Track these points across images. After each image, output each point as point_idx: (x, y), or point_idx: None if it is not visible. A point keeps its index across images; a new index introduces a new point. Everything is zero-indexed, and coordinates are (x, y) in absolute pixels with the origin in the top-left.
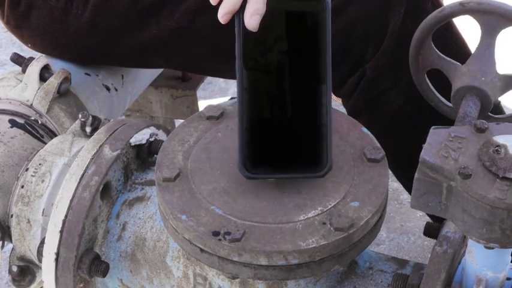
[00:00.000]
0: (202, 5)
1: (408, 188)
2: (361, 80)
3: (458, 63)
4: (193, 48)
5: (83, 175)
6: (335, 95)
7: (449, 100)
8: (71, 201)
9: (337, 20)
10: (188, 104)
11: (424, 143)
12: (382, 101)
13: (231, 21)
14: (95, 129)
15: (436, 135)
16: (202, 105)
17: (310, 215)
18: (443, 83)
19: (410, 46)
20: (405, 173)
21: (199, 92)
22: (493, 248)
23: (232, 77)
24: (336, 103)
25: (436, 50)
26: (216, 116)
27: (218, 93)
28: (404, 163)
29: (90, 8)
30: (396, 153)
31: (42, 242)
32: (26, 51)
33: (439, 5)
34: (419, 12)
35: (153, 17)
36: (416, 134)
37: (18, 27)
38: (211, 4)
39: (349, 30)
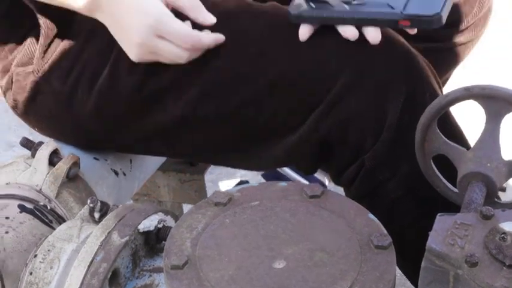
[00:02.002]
0: (205, 95)
1: (410, 277)
2: (360, 170)
3: (463, 148)
4: (196, 138)
5: (91, 262)
6: (335, 183)
7: (455, 186)
8: None
9: (336, 111)
10: (196, 188)
11: (423, 233)
12: (381, 191)
13: (233, 113)
14: (103, 215)
15: (442, 222)
16: (209, 188)
17: None
18: (449, 168)
19: (415, 133)
20: (406, 262)
21: (206, 176)
22: None
23: (235, 166)
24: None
25: (442, 135)
26: (224, 202)
27: (225, 177)
28: (404, 252)
29: (95, 94)
30: (396, 243)
31: None
32: (36, 135)
33: (437, 95)
34: (417, 104)
35: (157, 104)
36: (415, 224)
37: (24, 112)
38: (214, 92)
39: (347, 121)
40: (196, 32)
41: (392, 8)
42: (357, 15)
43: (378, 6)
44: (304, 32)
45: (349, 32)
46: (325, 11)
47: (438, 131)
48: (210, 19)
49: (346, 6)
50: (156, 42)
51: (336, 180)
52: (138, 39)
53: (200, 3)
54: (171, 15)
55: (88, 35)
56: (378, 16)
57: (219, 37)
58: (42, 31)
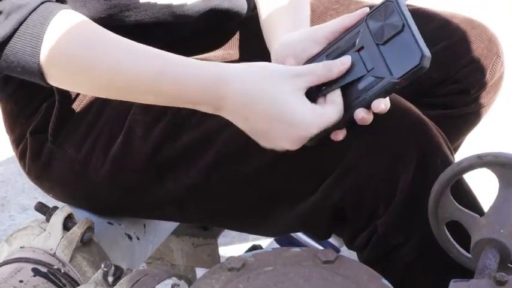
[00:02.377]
0: (217, 162)
1: None
2: (373, 235)
3: (477, 215)
4: (208, 204)
5: None
6: (348, 248)
7: (468, 251)
8: None
9: (348, 179)
10: (209, 253)
11: None
12: (394, 256)
13: (246, 180)
14: (117, 279)
15: None
16: (222, 251)
17: None
18: (462, 234)
19: (429, 199)
20: None
21: (219, 239)
22: None
23: (248, 232)
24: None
25: (455, 202)
26: (238, 267)
27: (238, 240)
28: None
29: (109, 161)
30: None
31: None
32: (50, 198)
33: (448, 162)
34: (429, 171)
35: (170, 172)
36: None
37: (39, 178)
38: (228, 161)
39: (360, 187)
40: (330, 118)
41: (381, 78)
42: (357, 105)
43: (368, 83)
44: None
45: (362, 118)
46: None
47: (451, 197)
48: (345, 64)
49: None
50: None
51: (349, 245)
52: (286, 146)
53: (325, 65)
54: (319, 120)
55: (102, 103)
56: (376, 92)
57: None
58: (57, 99)
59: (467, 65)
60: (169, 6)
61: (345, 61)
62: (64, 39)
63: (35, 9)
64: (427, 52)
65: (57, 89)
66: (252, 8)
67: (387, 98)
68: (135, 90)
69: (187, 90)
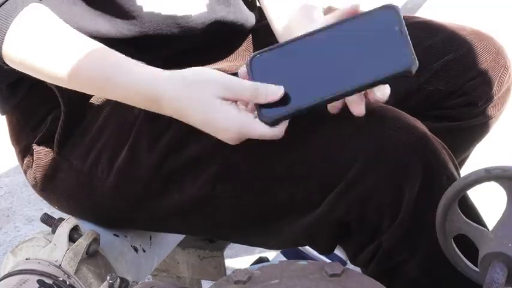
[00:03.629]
0: (223, 174)
1: None
2: (378, 250)
3: (484, 229)
4: (213, 217)
5: None
6: (351, 263)
7: (476, 265)
8: None
9: (353, 193)
10: (215, 265)
11: None
12: (399, 272)
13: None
14: None
15: None
16: (228, 264)
17: None
18: (469, 247)
19: (436, 213)
20: None
21: (225, 252)
22: None
23: (253, 245)
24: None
25: (463, 215)
26: (244, 280)
27: (245, 253)
28: None
29: (114, 173)
30: None
31: None
32: (56, 209)
33: (454, 178)
34: (434, 186)
35: (175, 184)
36: None
37: (44, 190)
38: (233, 173)
39: (364, 201)
40: (273, 131)
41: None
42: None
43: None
44: None
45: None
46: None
47: (459, 211)
48: (276, 94)
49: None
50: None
51: (353, 261)
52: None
53: (258, 87)
54: (249, 120)
55: (108, 115)
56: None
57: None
58: (63, 111)
59: (475, 77)
60: (173, 17)
61: (276, 91)
62: (26, 33)
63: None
64: (415, 60)
65: (64, 101)
66: (258, 19)
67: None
68: (88, 90)
69: (130, 97)
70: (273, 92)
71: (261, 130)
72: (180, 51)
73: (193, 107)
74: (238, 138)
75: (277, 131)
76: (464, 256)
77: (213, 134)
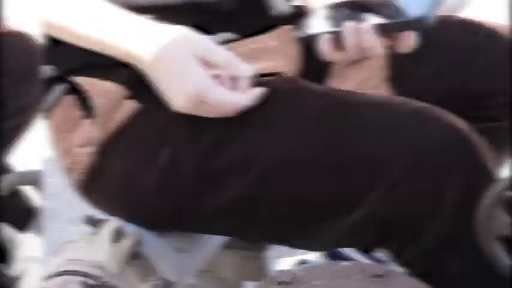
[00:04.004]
0: (265, 175)
1: None
2: (420, 250)
3: None
4: (255, 219)
5: None
6: (394, 263)
7: None
8: None
9: (396, 193)
10: (258, 266)
11: None
12: (442, 272)
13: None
14: None
15: None
16: (271, 265)
17: None
18: None
19: (479, 214)
20: None
21: (268, 252)
22: None
23: (295, 247)
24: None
25: (507, 216)
26: (287, 281)
27: (288, 254)
28: None
29: (155, 174)
30: None
31: None
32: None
33: (497, 179)
34: (477, 186)
35: (217, 186)
36: None
37: (86, 192)
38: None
39: (407, 201)
40: (234, 97)
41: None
42: None
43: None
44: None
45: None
46: None
47: (503, 212)
48: (247, 71)
49: None
50: (198, 105)
51: (396, 260)
52: (180, 104)
53: (234, 58)
54: (211, 82)
55: (147, 115)
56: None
57: (256, 95)
58: (99, 112)
59: None
60: None
61: (245, 71)
62: None
63: None
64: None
65: (99, 101)
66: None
67: None
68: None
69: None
70: (243, 70)
71: (220, 94)
72: (206, 19)
73: (169, 58)
74: (195, 96)
75: (238, 98)
76: (509, 257)
77: (170, 90)
